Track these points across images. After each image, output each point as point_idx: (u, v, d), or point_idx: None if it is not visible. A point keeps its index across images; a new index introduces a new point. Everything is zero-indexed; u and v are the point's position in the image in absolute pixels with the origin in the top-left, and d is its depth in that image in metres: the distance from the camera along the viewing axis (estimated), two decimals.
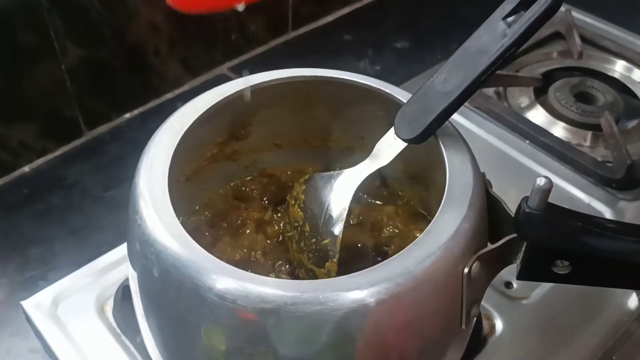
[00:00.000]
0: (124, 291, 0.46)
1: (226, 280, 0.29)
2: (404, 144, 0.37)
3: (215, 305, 0.29)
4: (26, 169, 0.64)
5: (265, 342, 0.30)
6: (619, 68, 0.73)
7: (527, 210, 0.33)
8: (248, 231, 0.44)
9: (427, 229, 0.32)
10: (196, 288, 0.30)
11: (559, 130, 0.65)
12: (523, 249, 0.34)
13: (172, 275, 0.30)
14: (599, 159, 0.61)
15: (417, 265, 0.30)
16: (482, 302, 0.48)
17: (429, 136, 0.37)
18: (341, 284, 0.30)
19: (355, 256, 0.42)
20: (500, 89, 0.70)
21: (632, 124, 0.66)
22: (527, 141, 0.63)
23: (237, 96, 0.40)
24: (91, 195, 0.62)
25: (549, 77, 0.71)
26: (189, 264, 0.30)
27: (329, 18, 0.86)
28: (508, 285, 0.50)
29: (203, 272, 0.30)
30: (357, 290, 0.29)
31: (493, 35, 0.35)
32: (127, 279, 0.47)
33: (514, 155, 0.62)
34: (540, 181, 0.31)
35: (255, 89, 0.40)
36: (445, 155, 0.36)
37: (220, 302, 0.29)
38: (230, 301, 0.29)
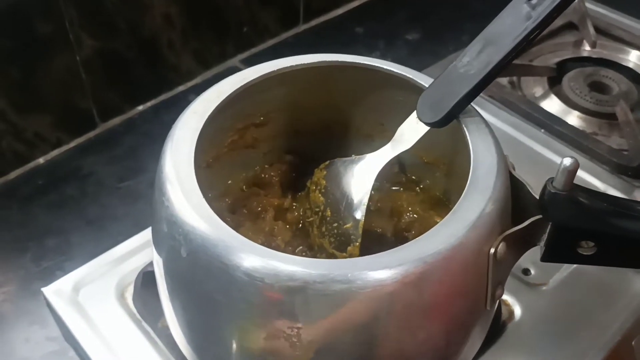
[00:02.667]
0: (144, 277, 0.46)
1: (254, 258, 0.30)
2: (427, 128, 0.38)
3: (244, 283, 0.30)
4: (41, 160, 0.65)
5: (292, 320, 0.30)
6: (633, 58, 0.73)
7: (552, 191, 0.33)
8: (268, 217, 0.44)
9: (453, 209, 0.32)
10: (225, 267, 0.30)
11: (574, 119, 0.65)
12: (548, 230, 0.34)
13: (201, 255, 0.31)
14: (615, 147, 0.61)
15: (444, 245, 0.30)
16: None
17: (451, 119, 0.37)
18: (369, 263, 0.30)
19: (375, 242, 0.42)
20: (515, 78, 0.70)
21: None
22: (542, 130, 0.63)
23: (260, 81, 0.40)
24: (106, 186, 0.63)
25: (563, 67, 0.71)
26: (218, 244, 0.30)
27: (340, 10, 0.86)
28: (526, 272, 0.50)
29: (232, 251, 0.30)
30: (385, 270, 0.29)
31: (517, 17, 0.35)
32: (147, 266, 0.48)
33: (529, 144, 0.61)
34: (567, 161, 0.32)
35: (275, 75, 0.41)
36: (469, 138, 0.36)
37: (248, 281, 0.29)
38: (259, 279, 0.29)
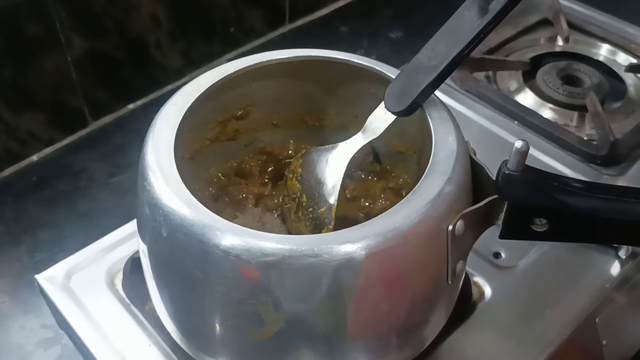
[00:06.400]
0: (132, 264, 0.49)
1: (230, 236, 0.32)
2: (394, 117, 0.40)
3: (220, 260, 0.32)
4: (34, 157, 0.67)
5: (266, 292, 0.32)
6: (604, 52, 0.76)
7: (506, 172, 0.35)
8: (249, 205, 0.46)
9: (413, 189, 0.35)
10: (202, 245, 0.32)
11: (547, 111, 0.68)
12: (504, 209, 0.36)
13: (180, 234, 0.33)
14: (585, 138, 0.63)
15: (404, 221, 0.33)
16: (472, 271, 0.51)
17: (416, 108, 0.39)
18: (335, 238, 0.32)
19: (349, 227, 0.45)
20: (490, 73, 0.72)
21: (616, 104, 0.69)
22: (516, 122, 0.65)
23: (237, 75, 0.42)
24: (97, 182, 0.65)
25: (537, 62, 0.73)
26: (195, 223, 0.32)
27: (325, 10, 0.88)
28: (496, 255, 0.53)
29: (208, 230, 0.32)
30: (349, 244, 0.32)
31: (473, 13, 0.37)
32: (134, 253, 0.50)
33: (503, 135, 0.64)
34: (518, 144, 0.34)
35: (253, 69, 0.43)
36: (431, 124, 0.38)
37: (225, 257, 0.32)
38: (234, 256, 0.32)
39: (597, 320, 0.49)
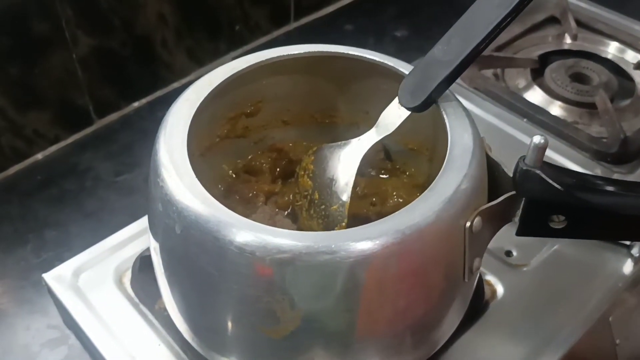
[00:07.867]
0: (141, 262, 0.48)
1: (245, 233, 0.32)
2: (408, 113, 0.39)
3: (236, 256, 0.31)
4: (39, 156, 0.66)
5: (282, 290, 0.32)
6: (612, 50, 0.75)
7: (524, 167, 0.35)
8: (259, 203, 0.46)
9: (430, 186, 0.34)
10: (217, 242, 0.32)
11: (555, 109, 0.67)
12: (521, 205, 0.36)
13: (194, 231, 0.32)
14: (594, 135, 0.63)
15: (422, 218, 0.32)
16: (484, 270, 0.50)
17: (431, 104, 0.39)
18: (352, 235, 0.32)
19: (361, 225, 0.44)
20: (499, 70, 0.72)
21: (625, 102, 0.68)
22: (525, 119, 0.65)
23: (249, 71, 0.42)
24: (103, 181, 0.64)
25: (545, 59, 0.73)
26: (210, 219, 0.32)
27: (330, 8, 0.88)
28: (508, 253, 0.52)
29: (224, 226, 0.32)
30: (366, 241, 0.31)
31: (490, 6, 0.37)
32: (143, 252, 0.50)
33: (512, 132, 0.64)
34: (537, 139, 0.34)
35: (265, 65, 0.43)
36: (446, 120, 0.38)
37: (240, 254, 0.31)
38: (250, 252, 0.31)
39: (610, 319, 0.49)
